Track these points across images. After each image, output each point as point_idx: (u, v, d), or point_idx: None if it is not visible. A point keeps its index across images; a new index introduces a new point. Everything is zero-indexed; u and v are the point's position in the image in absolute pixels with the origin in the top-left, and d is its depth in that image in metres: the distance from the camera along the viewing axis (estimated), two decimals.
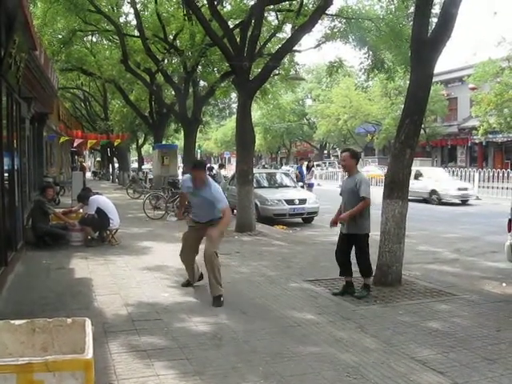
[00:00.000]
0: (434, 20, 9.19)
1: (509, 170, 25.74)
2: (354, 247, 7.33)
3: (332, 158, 62.52)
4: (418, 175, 23.64)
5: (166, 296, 7.14)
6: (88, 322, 3.64)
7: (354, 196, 7.13)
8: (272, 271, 8.87)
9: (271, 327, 5.84)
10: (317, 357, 4.98)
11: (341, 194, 7.54)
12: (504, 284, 8.38)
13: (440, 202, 22.97)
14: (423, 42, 7.75)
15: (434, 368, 4.71)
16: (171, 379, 4.43)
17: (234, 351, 5.10)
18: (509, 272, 8.89)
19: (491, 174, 27.26)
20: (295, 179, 20.70)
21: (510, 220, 7.96)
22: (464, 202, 23.25)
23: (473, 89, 39.48)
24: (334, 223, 7.46)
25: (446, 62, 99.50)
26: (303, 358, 4.95)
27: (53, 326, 3.76)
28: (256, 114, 55.89)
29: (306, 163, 24.56)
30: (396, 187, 7.76)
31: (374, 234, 7.72)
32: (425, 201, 23.35)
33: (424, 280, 8.25)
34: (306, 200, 15.81)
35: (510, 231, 7.94)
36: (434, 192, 23.36)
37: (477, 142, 43.38)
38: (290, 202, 15.61)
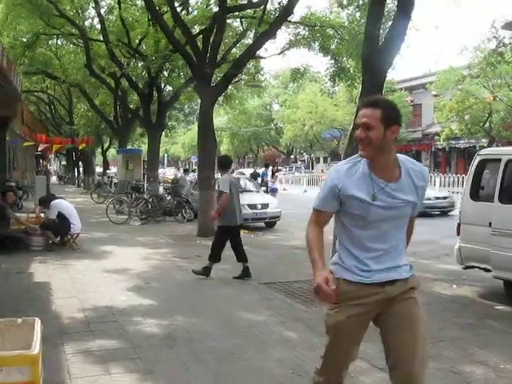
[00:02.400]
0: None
1: None
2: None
3: (299, 163, 62.96)
4: None
5: (123, 299, 7.23)
6: (38, 322, 3.75)
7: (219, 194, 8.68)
8: (230, 274, 9.00)
9: (225, 328, 6.00)
10: (266, 356, 5.16)
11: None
12: (454, 286, 8.68)
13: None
14: (375, 51, 7.99)
15: (377, 365, 4.91)
16: (123, 377, 4.56)
17: (187, 351, 5.24)
18: (459, 274, 9.18)
19: (451, 180, 27.85)
20: (262, 183, 21.00)
21: (458, 224, 8.26)
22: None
23: (435, 96, 40.28)
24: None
25: (410, 69, 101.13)
26: (253, 357, 5.12)
27: (3, 326, 3.87)
28: (223, 118, 56.04)
29: (271, 168, 24.76)
30: None
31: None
32: None
33: None
34: (268, 205, 15.98)
35: (458, 235, 8.23)
36: None
37: (440, 147, 44.23)
38: (252, 206, 15.70)
